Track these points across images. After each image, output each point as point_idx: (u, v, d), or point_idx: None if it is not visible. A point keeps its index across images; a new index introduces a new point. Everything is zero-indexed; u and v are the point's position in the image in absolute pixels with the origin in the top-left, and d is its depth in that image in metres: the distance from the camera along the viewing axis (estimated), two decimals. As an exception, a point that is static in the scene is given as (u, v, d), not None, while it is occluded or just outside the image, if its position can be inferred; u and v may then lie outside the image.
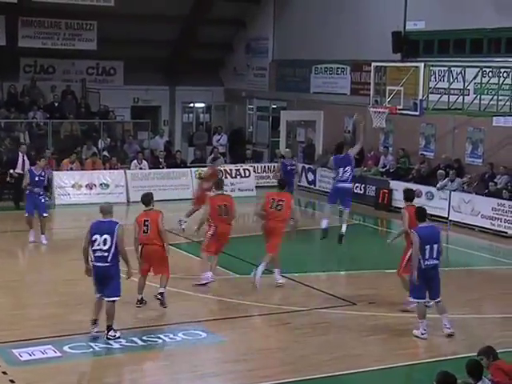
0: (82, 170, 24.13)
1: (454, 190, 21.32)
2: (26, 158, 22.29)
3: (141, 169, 24.74)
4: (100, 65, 30.14)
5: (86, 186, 23.40)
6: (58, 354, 10.71)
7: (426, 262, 11.49)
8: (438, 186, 21.62)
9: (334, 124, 27.07)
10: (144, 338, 11.39)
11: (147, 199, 12.93)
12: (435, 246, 11.52)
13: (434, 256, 11.55)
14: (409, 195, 13.37)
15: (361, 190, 24.29)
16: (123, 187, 23.81)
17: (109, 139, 26.88)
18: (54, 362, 10.44)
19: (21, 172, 21.55)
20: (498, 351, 8.57)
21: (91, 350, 10.90)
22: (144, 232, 12.63)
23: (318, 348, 11.32)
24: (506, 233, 19.78)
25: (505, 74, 18.85)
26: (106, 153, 26.00)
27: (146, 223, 12.63)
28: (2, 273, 14.71)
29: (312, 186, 26.50)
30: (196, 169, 25.23)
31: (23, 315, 12.44)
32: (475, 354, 8.52)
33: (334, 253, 17.62)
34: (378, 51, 24.16)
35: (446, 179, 21.64)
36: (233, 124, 32.21)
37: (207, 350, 11.17)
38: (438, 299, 11.75)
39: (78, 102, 28.52)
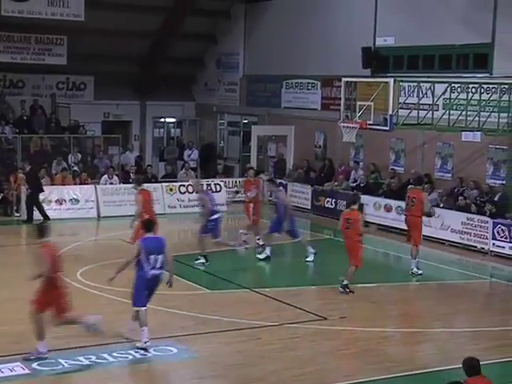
0: (52, 185, 23.95)
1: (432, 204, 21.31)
2: None
3: (111, 184, 24.63)
4: (70, 79, 30.01)
5: (56, 202, 23.22)
6: (27, 371, 10.59)
7: (152, 272, 11.76)
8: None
9: (305, 139, 27.18)
10: (114, 354, 11.30)
11: None
12: (159, 257, 11.81)
13: (158, 266, 11.90)
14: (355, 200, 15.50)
15: (332, 204, 24.37)
16: (93, 202, 23.68)
17: (79, 154, 26.74)
18: (23, 380, 10.31)
19: None
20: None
21: (60, 366, 10.80)
22: None
23: (289, 363, 11.30)
24: (476, 247, 19.93)
25: (473, 90, 19.06)
26: (76, 168, 25.86)
27: None
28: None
29: (283, 201, 26.45)
30: (167, 184, 25.20)
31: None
32: (447, 367, 8.54)
33: (304, 267, 17.64)
34: (348, 66, 24.35)
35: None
36: (204, 139, 32.20)
37: (177, 367, 11.10)
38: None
39: (48, 116, 28.35)
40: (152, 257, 11.73)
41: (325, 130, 26.39)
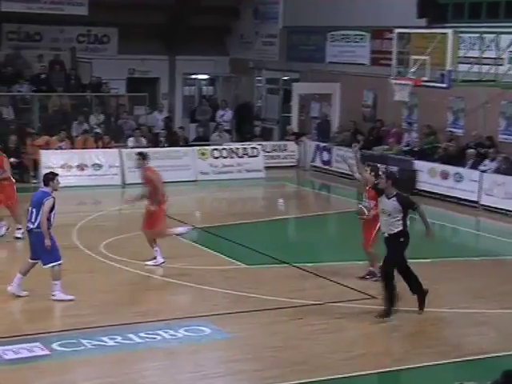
0: (72, 149, 24.15)
1: (495, 170, 21.07)
2: None
3: (138, 147, 24.73)
4: (92, 32, 30.09)
5: (77, 167, 23.42)
6: (47, 351, 10.76)
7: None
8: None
9: (352, 97, 27.03)
10: (142, 334, 11.42)
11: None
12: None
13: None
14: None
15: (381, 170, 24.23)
16: (118, 168, 23.81)
17: (102, 115, 26.88)
18: (42, 361, 10.48)
19: None
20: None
21: (83, 347, 10.93)
22: None
23: (333, 346, 11.34)
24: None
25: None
26: (98, 130, 26.01)
27: None
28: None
29: (327, 167, 26.48)
30: (199, 147, 25.29)
31: (5, 309, 12.48)
32: (507, 353, 8.51)
33: (350, 241, 17.62)
34: (401, 16, 24.08)
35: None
36: (239, 98, 32.17)
37: (211, 348, 11.21)
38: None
39: (68, 73, 28.49)
40: None
41: (374, 87, 26.19)
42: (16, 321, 12.01)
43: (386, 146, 24.96)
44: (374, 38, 26.46)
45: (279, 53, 30.54)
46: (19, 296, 12.83)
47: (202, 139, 27.32)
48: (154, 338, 11.35)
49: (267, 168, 25.66)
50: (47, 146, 23.73)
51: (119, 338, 11.26)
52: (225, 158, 25.30)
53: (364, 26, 26.65)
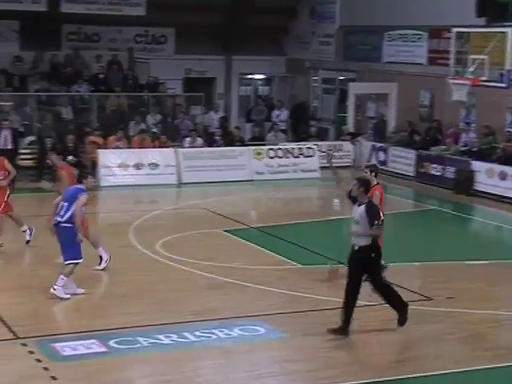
0: (129, 148, 24.37)
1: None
2: (10, 134, 22.61)
3: (194, 147, 24.86)
4: (149, 32, 30.34)
5: (134, 166, 23.62)
6: (104, 349, 10.88)
7: None
8: None
9: (409, 97, 26.82)
10: (197, 333, 11.49)
11: None
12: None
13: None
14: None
15: (438, 171, 24.03)
16: (174, 167, 23.96)
17: (158, 114, 27.08)
18: (99, 358, 10.60)
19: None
20: None
21: (139, 345, 11.03)
22: None
23: (388, 347, 11.29)
24: None
25: None
26: (155, 129, 26.22)
27: None
28: (43, 258, 14.99)
29: (383, 167, 26.28)
30: (254, 147, 25.34)
31: (65, 306, 12.65)
32: None
33: (405, 242, 17.50)
34: (459, 15, 23.81)
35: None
36: (295, 98, 32.14)
37: (265, 348, 11.22)
38: None
39: (125, 73, 28.77)
40: None
41: (431, 87, 25.96)
42: (73, 318, 12.16)
43: (443, 147, 24.72)
44: (431, 37, 26.22)
45: (335, 52, 30.44)
46: (77, 294, 13.00)
47: (258, 139, 27.35)
48: (209, 337, 11.41)
49: (322, 168, 25.58)
50: (105, 146, 23.99)
51: (175, 337, 11.34)
52: (280, 157, 25.31)
53: (422, 26, 26.42)
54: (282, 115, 29.63)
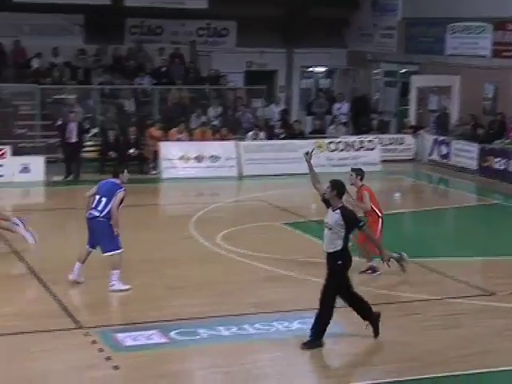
0: (191, 140, 24.50)
1: None
2: (75, 127, 22.81)
3: (255, 139, 24.88)
4: (211, 25, 30.46)
5: (195, 159, 23.74)
6: (164, 339, 10.98)
7: None
8: None
9: (472, 90, 26.48)
10: (256, 325, 11.52)
11: None
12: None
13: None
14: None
15: (502, 165, 23.69)
16: (235, 160, 24.02)
17: (220, 107, 27.18)
18: (160, 349, 10.70)
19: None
20: None
21: (198, 336, 11.11)
22: None
23: (450, 342, 11.16)
24: None
25: None
26: (216, 122, 26.32)
27: None
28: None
29: (445, 161, 26.05)
30: (315, 140, 25.27)
31: (127, 297, 12.79)
32: None
33: (469, 236, 17.30)
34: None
35: None
36: (356, 90, 31.97)
37: (326, 341, 11.18)
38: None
39: (187, 66, 28.92)
40: None
41: (496, 79, 25.60)
42: (134, 309, 12.28)
43: (506, 140, 24.37)
44: (496, 29, 25.83)
45: (397, 45, 30.19)
46: (79, 282, 13.10)
47: (319, 132, 27.28)
48: (269, 330, 11.43)
49: (383, 161, 25.42)
50: (166, 138, 24.15)
51: (234, 329, 11.39)
52: (341, 151, 25.21)
53: (486, 17, 26.04)
54: (342, 108, 29.50)
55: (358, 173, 14.19)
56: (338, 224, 10.65)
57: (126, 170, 13.18)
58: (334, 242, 10.71)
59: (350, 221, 10.70)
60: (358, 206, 13.81)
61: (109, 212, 12.71)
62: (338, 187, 10.82)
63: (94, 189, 13.04)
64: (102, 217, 12.77)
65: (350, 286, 10.96)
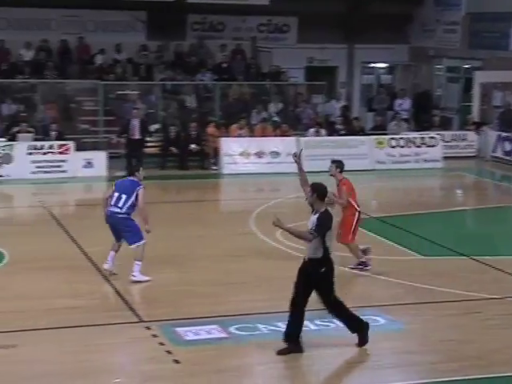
0: (251, 136, 24.57)
1: None
2: (138, 124, 22.96)
3: (317, 135, 24.83)
4: (272, 21, 30.48)
5: (255, 155, 23.81)
6: (224, 334, 11.05)
7: None
8: None
9: (537, 86, 26.09)
10: (316, 321, 11.53)
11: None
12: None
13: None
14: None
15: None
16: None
17: (280, 103, 27.20)
18: (220, 344, 10.77)
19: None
20: None
21: (258, 332, 11.17)
22: None
23: (510, 341, 11.04)
24: None
25: None
26: (276, 118, 26.35)
27: None
28: (166, 245, 15.31)
29: (509, 158, 25.71)
30: (376, 137, 25.16)
31: (187, 292, 12.90)
32: None
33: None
34: None
35: None
36: (418, 86, 31.70)
37: (385, 338, 11.16)
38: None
39: (248, 62, 28.99)
40: None
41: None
42: (194, 303, 12.37)
43: None
44: (562, 23, 25.42)
45: (461, 40, 29.84)
46: (114, 274, 13.35)
47: (379, 128, 27.13)
48: (328, 326, 11.42)
49: (445, 158, 25.19)
50: (227, 134, 24.27)
51: (293, 325, 11.41)
52: (402, 147, 25.06)
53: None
54: (404, 104, 29.27)
55: (338, 165, 14.21)
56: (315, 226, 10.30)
57: (141, 168, 13.64)
58: (312, 246, 10.43)
59: (318, 224, 10.32)
60: (337, 202, 13.80)
61: (129, 208, 13.14)
62: (318, 190, 10.55)
63: (111, 190, 13.46)
64: (123, 213, 13.17)
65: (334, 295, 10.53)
